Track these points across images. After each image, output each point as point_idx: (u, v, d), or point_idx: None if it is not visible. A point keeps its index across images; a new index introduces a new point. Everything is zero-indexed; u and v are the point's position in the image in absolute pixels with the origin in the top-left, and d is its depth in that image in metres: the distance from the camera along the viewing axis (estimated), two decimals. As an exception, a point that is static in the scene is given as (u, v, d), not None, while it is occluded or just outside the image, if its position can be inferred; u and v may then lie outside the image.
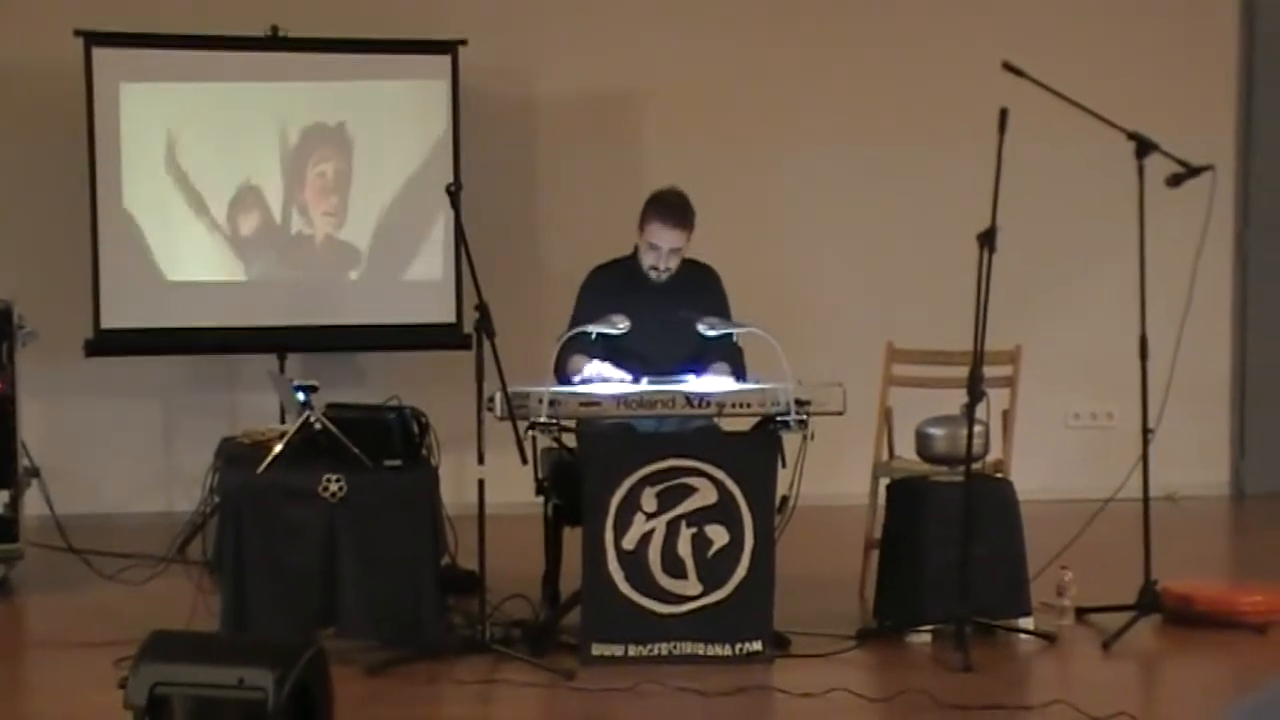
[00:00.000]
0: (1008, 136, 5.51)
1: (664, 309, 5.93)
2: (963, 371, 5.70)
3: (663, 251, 5.98)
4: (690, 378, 5.76)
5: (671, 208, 5.98)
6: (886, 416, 6.58)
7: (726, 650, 5.51)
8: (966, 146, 6.25)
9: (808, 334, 7.24)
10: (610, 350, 5.87)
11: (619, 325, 5.77)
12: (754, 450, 5.64)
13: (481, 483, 5.47)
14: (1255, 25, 8.80)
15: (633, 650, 5.50)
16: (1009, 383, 6.41)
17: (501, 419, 5.43)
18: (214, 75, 7.52)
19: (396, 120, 7.69)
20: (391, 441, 5.64)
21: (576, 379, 5.77)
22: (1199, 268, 6.00)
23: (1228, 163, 8.57)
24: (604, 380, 5.73)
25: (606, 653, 5.49)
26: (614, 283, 6.06)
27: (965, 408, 5.68)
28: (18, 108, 7.87)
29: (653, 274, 6.01)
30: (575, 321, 5.99)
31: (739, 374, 5.96)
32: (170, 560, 6.57)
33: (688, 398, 5.59)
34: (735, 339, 6.01)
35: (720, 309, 6.09)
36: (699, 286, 6.12)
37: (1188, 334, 6.03)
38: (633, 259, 6.10)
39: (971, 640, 5.52)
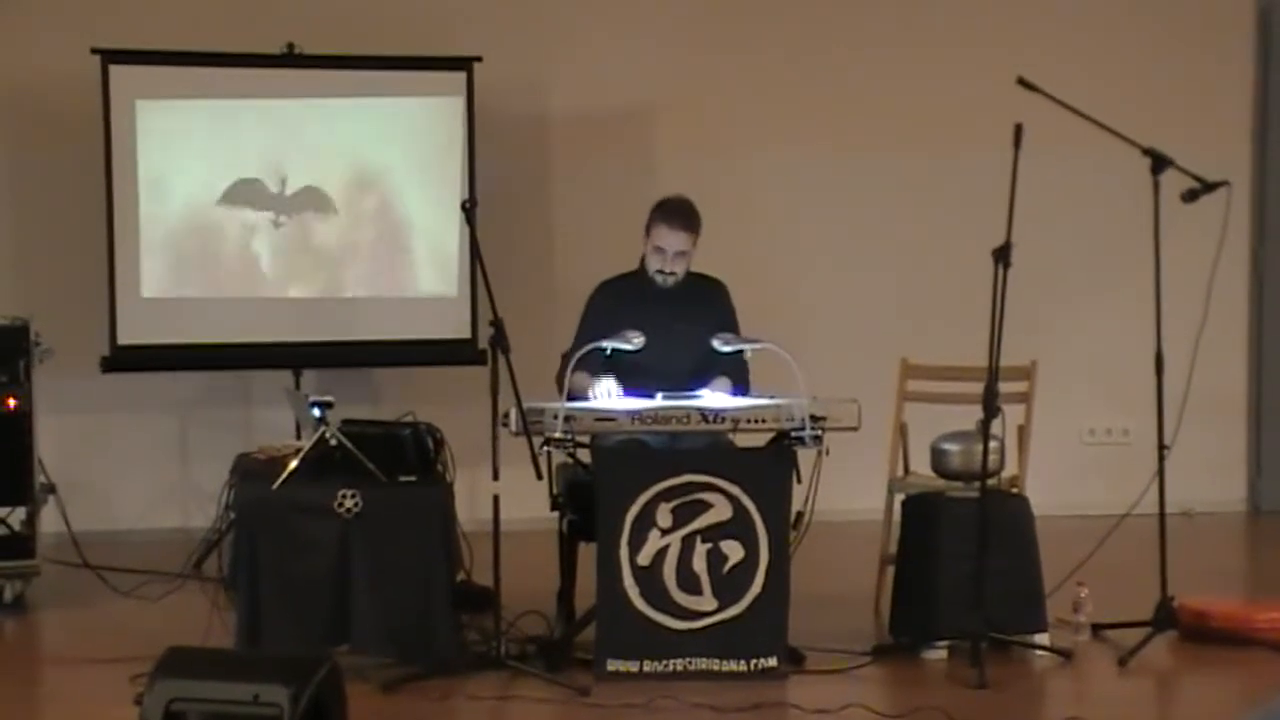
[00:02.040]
0: (1023, 151, 5.51)
1: (672, 322, 5.94)
2: (978, 387, 5.69)
3: (668, 254, 6.00)
4: (705, 392, 5.78)
5: (676, 211, 6.02)
6: (901, 432, 6.58)
7: (741, 666, 5.51)
8: (981, 161, 6.25)
9: (823, 349, 7.23)
10: (618, 364, 5.87)
11: (634, 341, 5.77)
12: (769, 466, 5.64)
13: (496, 498, 5.48)
14: (1270, 40, 8.79)
15: (648, 666, 5.49)
16: (1024, 398, 6.41)
17: (516, 435, 5.44)
18: (230, 92, 7.54)
19: (412, 136, 7.71)
20: (406, 457, 5.65)
21: (589, 397, 5.75)
22: (1214, 283, 6.00)
23: (1243, 178, 8.55)
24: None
25: (621, 669, 5.49)
26: (622, 297, 6.08)
27: (980, 423, 5.68)
28: (35, 124, 7.89)
29: (659, 277, 6.02)
30: (581, 336, 6.00)
31: (740, 388, 5.97)
32: (186, 576, 6.60)
33: (703, 413, 5.59)
34: (739, 352, 6.01)
35: (728, 322, 6.11)
36: (707, 300, 6.14)
37: (1204, 350, 6.02)
38: (640, 273, 6.11)
39: (987, 656, 5.51)
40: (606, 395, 5.74)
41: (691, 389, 5.81)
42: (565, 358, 6.01)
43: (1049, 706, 5.40)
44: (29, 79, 7.86)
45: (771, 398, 5.69)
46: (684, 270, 6.05)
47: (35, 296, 7.35)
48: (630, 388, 5.78)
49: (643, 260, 6.11)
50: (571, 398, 5.68)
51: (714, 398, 5.76)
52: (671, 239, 5.99)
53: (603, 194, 8.24)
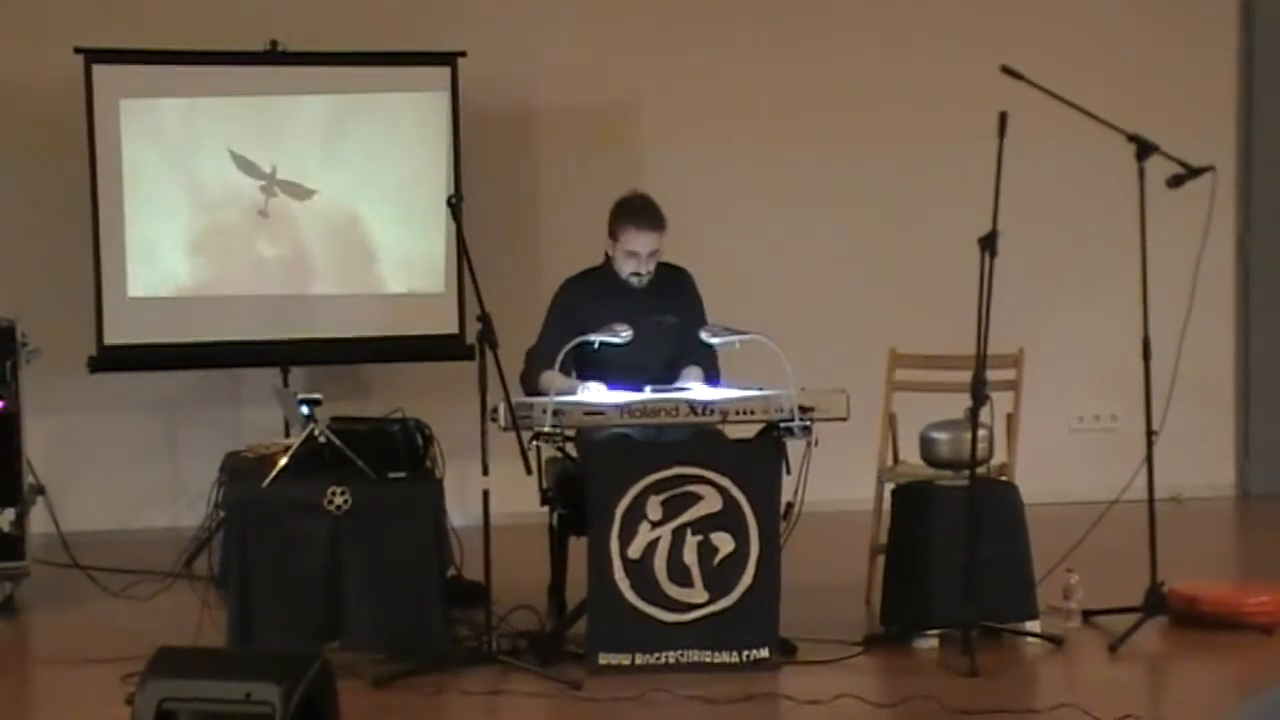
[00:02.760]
0: (1008, 139, 5.51)
1: (642, 314, 5.93)
2: (966, 375, 5.69)
3: (641, 256, 5.98)
4: (694, 385, 5.78)
5: (643, 212, 6.00)
6: (890, 421, 6.58)
7: (733, 658, 5.51)
8: (967, 150, 6.25)
9: (810, 340, 7.21)
10: (593, 359, 5.87)
11: (622, 334, 5.77)
12: (758, 457, 5.64)
13: (486, 494, 5.48)
14: (1254, 25, 8.80)
15: (639, 659, 5.49)
16: (1013, 386, 6.41)
17: (505, 429, 5.43)
18: (214, 90, 7.53)
19: (397, 132, 7.70)
20: (396, 453, 5.65)
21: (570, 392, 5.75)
22: (1201, 269, 6.00)
23: (1228, 164, 8.56)
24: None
25: (613, 662, 5.49)
26: (590, 293, 6.06)
27: (969, 412, 5.68)
28: (18, 125, 7.87)
29: (634, 280, 6.01)
30: (549, 334, 6.00)
31: (711, 378, 5.98)
32: (176, 575, 6.58)
33: (691, 405, 5.59)
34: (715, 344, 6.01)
35: (697, 310, 6.13)
36: (676, 289, 6.13)
37: (1191, 335, 6.03)
38: (605, 268, 6.10)
39: (978, 644, 5.52)
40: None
41: (668, 380, 5.81)
42: (530, 356, 6.00)
43: (1041, 693, 5.40)
44: (12, 79, 7.84)
45: (760, 389, 5.70)
46: (654, 266, 6.04)
47: (22, 297, 7.32)
48: (608, 382, 5.78)
49: (608, 255, 6.09)
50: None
51: (701, 389, 5.76)
52: (643, 241, 5.97)
53: (589, 188, 8.18)
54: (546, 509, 5.97)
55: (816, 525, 5.92)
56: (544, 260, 8.19)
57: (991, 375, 5.75)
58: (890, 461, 6.57)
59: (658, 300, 6.03)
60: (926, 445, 6.07)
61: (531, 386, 5.89)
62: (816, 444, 5.55)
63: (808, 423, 5.55)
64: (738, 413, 5.62)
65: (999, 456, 6.20)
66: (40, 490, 6.69)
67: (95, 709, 5.07)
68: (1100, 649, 5.79)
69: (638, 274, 6.00)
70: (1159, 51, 8.68)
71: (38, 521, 6.72)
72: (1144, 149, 5.86)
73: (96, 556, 6.89)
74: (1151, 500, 5.94)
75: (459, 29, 7.92)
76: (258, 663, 4.24)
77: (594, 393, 5.71)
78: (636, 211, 6.00)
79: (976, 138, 5.83)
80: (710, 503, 5.56)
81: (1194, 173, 5.92)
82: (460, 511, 5.97)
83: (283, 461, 5.57)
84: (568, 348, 5.76)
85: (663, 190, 6.22)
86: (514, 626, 5.77)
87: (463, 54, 7.64)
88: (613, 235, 6.02)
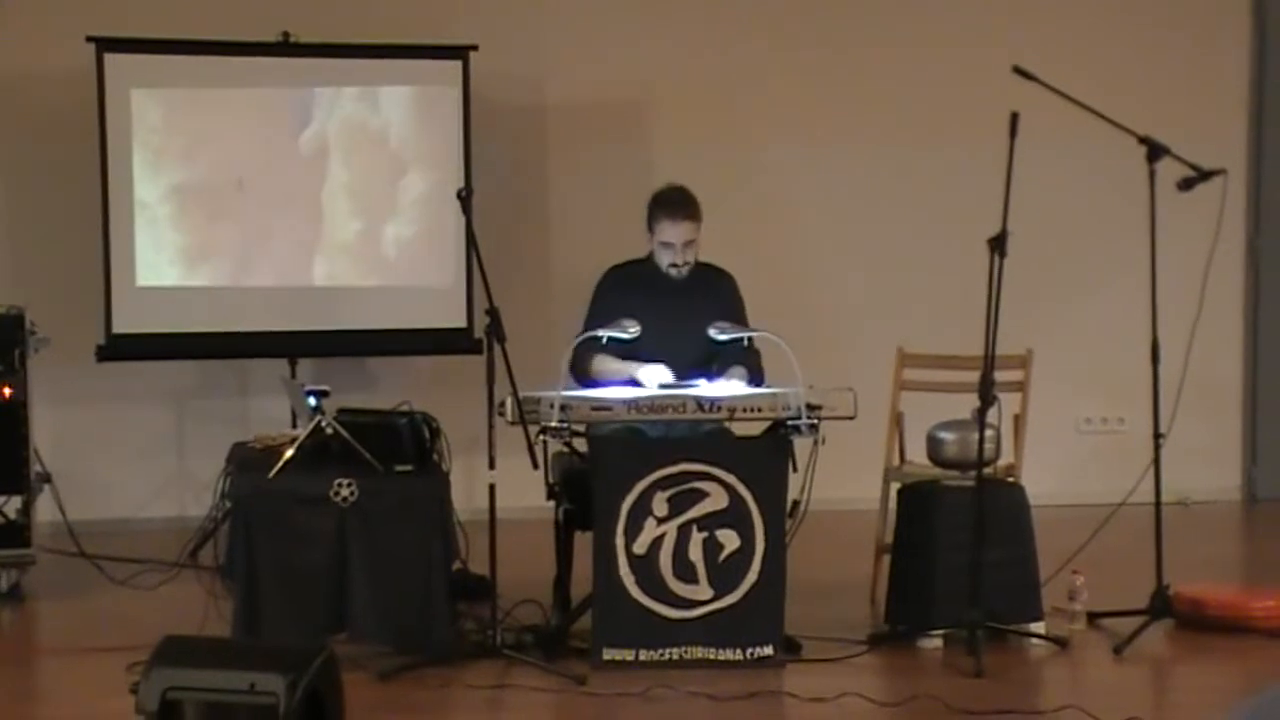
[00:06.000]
0: (1019, 141, 5.51)
1: (680, 312, 5.93)
2: (974, 376, 5.69)
3: (677, 247, 5.98)
4: (701, 382, 5.78)
5: (676, 203, 6.01)
6: (897, 421, 6.58)
7: (737, 655, 5.51)
8: (978, 150, 6.26)
9: (819, 338, 7.22)
10: (626, 354, 5.88)
11: (629, 330, 5.78)
12: (765, 455, 5.64)
13: (492, 488, 5.48)
14: (1266, 28, 8.79)
15: (644, 655, 5.50)
16: (1020, 387, 6.41)
17: (512, 424, 5.44)
18: (225, 81, 7.53)
19: (407, 125, 7.70)
20: (403, 446, 5.65)
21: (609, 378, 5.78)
22: (1210, 272, 6.00)
23: (1239, 167, 8.55)
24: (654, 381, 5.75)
25: (618, 657, 5.49)
26: (630, 284, 6.07)
27: (976, 412, 5.68)
28: (30, 114, 7.88)
29: (673, 271, 6.01)
30: (591, 321, 6.01)
31: (755, 379, 5.97)
32: (182, 565, 6.58)
33: (699, 402, 5.60)
34: (750, 342, 6.00)
35: (736, 313, 6.10)
36: (714, 290, 6.12)
37: (1199, 338, 6.03)
38: (648, 261, 6.10)
39: (983, 645, 5.52)
40: (654, 379, 5.76)
41: (695, 378, 5.81)
42: (578, 343, 5.98)
43: (1045, 695, 5.40)
44: (24, 68, 7.85)
45: (768, 387, 5.69)
46: (694, 257, 6.04)
47: (31, 286, 7.33)
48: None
49: (650, 251, 6.10)
50: (597, 382, 5.74)
51: (720, 386, 5.75)
52: (677, 231, 5.97)
53: (599, 183, 8.24)
54: (553, 504, 5.96)
55: (822, 524, 5.92)
56: (553, 255, 8.20)
57: (999, 376, 5.75)
58: (897, 461, 6.57)
59: (694, 299, 6.01)
60: (933, 445, 6.07)
61: (583, 369, 5.88)
62: (823, 442, 5.55)
63: (815, 421, 5.55)
64: (745, 410, 5.62)
65: (1006, 457, 6.20)
66: (47, 478, 6.70)
67: (100, 697, 5.07)
68: (1105, 651, 5.78)
69: (676, 265, 6.00)
70: (1171, 54, 8.66)
71: (44, 510, 6.74)
72: (1155, 151, 5.86)
73: (103, 545, 6.89)
74: (1158, 503, 5.94)
75: (471, 23, 7.91)
76: (263, 654, 4.25)
77: (653, 373, 5.75)
78: (670, 203, 6.01)
79: (987, 138, 5.83)
80: (716, 500, 5.56)
81: (1205, 175, 5.91)
82: (466, 505, 5.97)
83: (289, 453, 5.58)
84: (577, 340, 5.76)
85: (672, 185, 6.22)
86: (519, 621, 5.77)
87: (474, 48, 7.64)
88: (650, 228, 6.04)
